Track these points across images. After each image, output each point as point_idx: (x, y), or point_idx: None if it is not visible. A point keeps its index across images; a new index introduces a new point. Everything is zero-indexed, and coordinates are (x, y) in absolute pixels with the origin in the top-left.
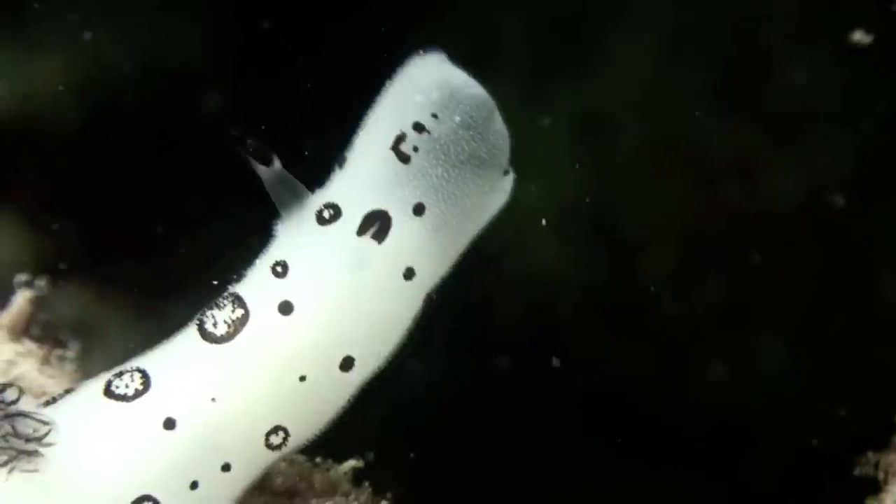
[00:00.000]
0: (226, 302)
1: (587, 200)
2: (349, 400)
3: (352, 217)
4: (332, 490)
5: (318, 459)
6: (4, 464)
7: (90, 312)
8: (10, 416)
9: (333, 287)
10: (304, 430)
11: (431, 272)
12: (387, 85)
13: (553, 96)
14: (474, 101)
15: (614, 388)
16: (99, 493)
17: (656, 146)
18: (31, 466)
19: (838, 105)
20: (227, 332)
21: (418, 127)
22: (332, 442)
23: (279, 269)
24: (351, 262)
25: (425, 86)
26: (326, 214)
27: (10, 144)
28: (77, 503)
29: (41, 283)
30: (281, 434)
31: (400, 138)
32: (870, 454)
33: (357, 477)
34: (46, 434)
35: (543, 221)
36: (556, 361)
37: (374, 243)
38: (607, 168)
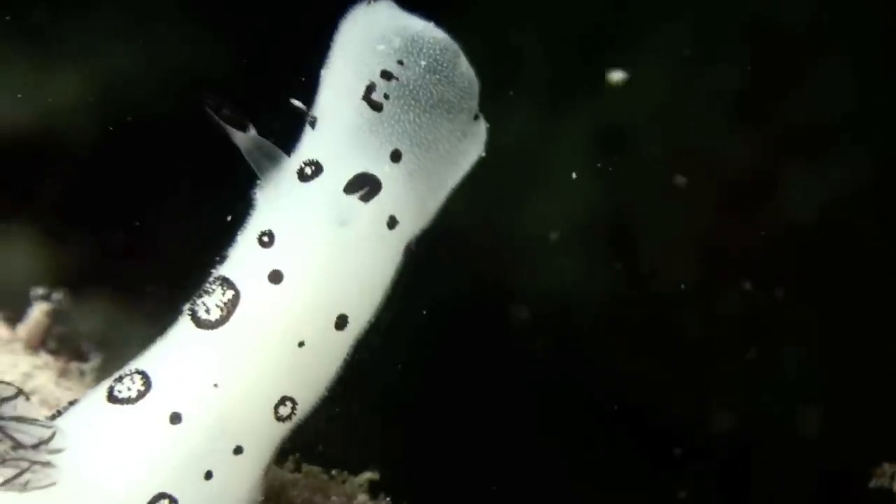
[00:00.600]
0: (214, 286)
1: (605, 211)
2: (345, 358)
3: (333, 171)
4: (347, 502)
5: (334, 472)
6: (16, 477)
7: (109, 326)
8: (8, 420)
9: (320, 245)
10: (309, 395)
11: (411, 219)
12: (336, 36)
13: (571, 108)
14: (438, 44)
15: (631, 399)
16: (112, 500)
17: (675, 158)
18: (46, 481)
19: (856, 117)
20: (222, 316)
21: (386, 75)
22: (348, 454)
23: (265, 238)
24: (335, 217)
25: (385, 34)
26: (308, 171)
27: (29, 158)
28: None
29: (58, 295)
30: (289, 404)
31: (370, 88)
32: (885, 466)
33: (373, 489)
34: (52, 438)
35: (574, 175)
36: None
37: (359, 202)
38: (625, 180)
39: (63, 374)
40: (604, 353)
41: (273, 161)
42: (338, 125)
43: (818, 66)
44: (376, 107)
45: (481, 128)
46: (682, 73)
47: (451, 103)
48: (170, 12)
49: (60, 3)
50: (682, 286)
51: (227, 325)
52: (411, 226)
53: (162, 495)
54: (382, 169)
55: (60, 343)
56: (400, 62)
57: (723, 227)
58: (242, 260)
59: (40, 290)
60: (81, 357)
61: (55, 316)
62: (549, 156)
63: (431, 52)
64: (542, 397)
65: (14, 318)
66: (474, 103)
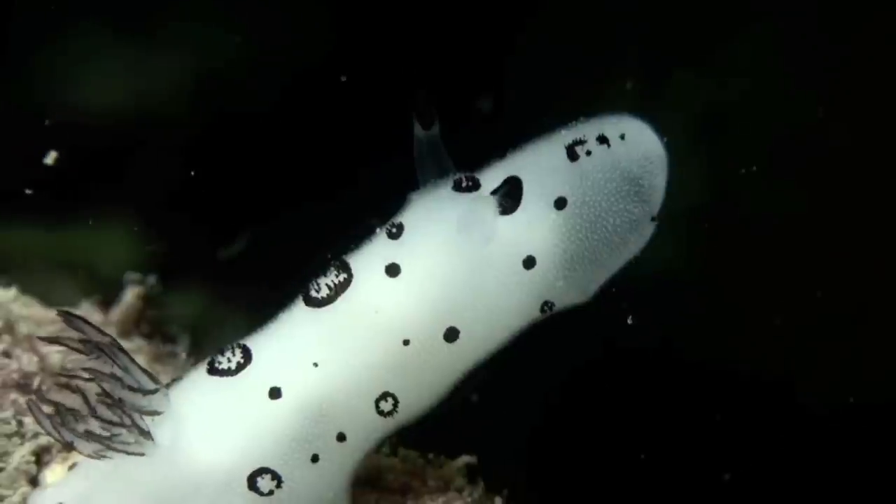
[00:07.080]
0: (332, 268)
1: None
2: (458, 376)
3: (488, 191)
4: (445, 486)
5: (430, 455)
6: (113, 435)
7: (203, 312)
8: (120, 374)
9: (447, 253)
10: (412, 398)
11: (551, 273)
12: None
13: (669, 90)
14: (658, 150)
15: (740, 392)
16: (214, 470)
17: (777, 142)
18: (138, 448)
19: None
20: (329, 296)
21: (602, 139)
22: (445, 437)
23: (394, 230)
24: (475, 233)
25: (619, 124)
26: (464, 183)
27: (126, 144)
28: (193, 482)
29: (152, 280)
30: (390, 401)
31: (579, 141)
32: None
33: (471, 473)
34: (155, 393)
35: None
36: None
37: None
38: (727, 165)
39: (157, 358)
40: (708, 342)
41: (439, 167)
42: (527, 159)
43: None
44: (573, 156)
45: (649, 231)
46: (786, 54)
47: (640, 187)
48: None
49: None
50: (784, 273)
51: (332, 305)
52: (548, 278)
53: (264, 470)
54: (542, 209)
55: (153, 327)
56: (622, 137)
57: (827, 213)
58: (369, 248)
59: (134, 275)
60: (174, 341)
61: (148, 300)
62: None
63: (651, 149)
64: (642, 392)
65: (107, 303)
66: (656, 208)
